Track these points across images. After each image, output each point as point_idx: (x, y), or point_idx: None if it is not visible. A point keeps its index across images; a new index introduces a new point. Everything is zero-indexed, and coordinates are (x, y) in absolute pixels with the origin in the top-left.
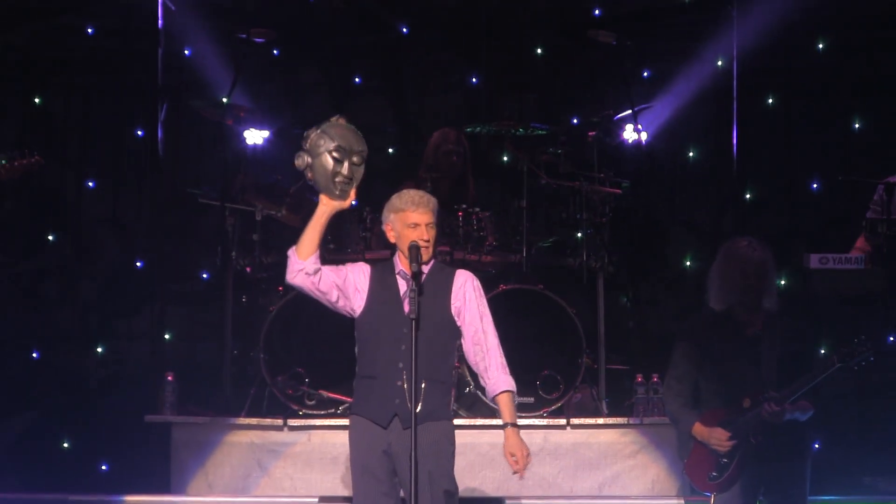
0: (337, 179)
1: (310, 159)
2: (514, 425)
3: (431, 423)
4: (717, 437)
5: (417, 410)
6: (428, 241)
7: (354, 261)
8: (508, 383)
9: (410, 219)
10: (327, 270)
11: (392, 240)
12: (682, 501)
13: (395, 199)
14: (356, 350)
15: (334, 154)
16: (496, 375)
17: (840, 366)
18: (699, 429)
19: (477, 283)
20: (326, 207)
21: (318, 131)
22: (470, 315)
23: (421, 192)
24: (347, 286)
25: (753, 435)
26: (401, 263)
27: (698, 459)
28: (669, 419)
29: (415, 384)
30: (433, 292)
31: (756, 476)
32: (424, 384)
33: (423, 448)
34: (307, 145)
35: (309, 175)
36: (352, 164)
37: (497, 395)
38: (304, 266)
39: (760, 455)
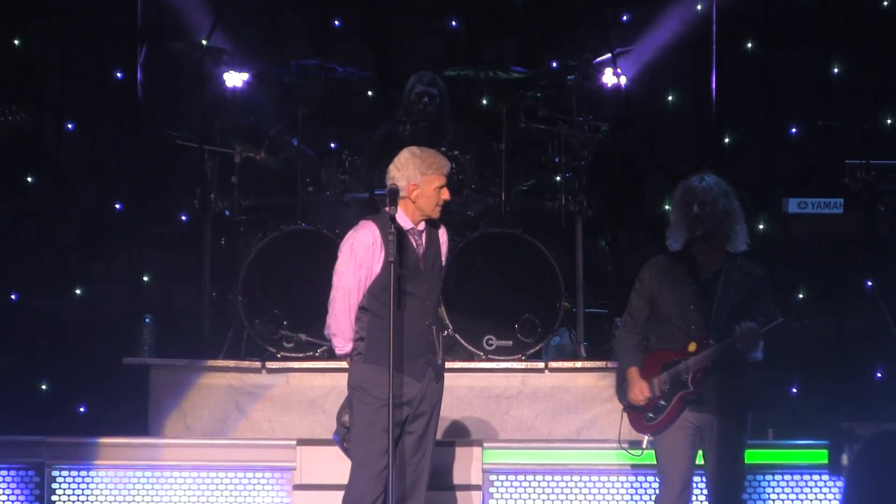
0: None
1: None
2: None
3: (443, 371)
4: (636, 391)
5: (440, 362)
6: (445, 199)
7: (334, 196)
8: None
9: (436, 182)
10: (352, 297)
11: (412, 198)
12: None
13: (420, 162)
14: (369, 301)
15: None
16: None
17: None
18: (632, 372)
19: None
20: None
21: None
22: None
23: (436, 153)
24: (370, 275)
25: (693, 380)
26: (411, 220)
27: (634, 385)
28: (616, 353)
29: (430, 335)
30: (434, 248)
31: (693, 422)
32: (442, 336)
33: (439, 394)
34: None
35: None
36: None
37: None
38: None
39: (699, 401)
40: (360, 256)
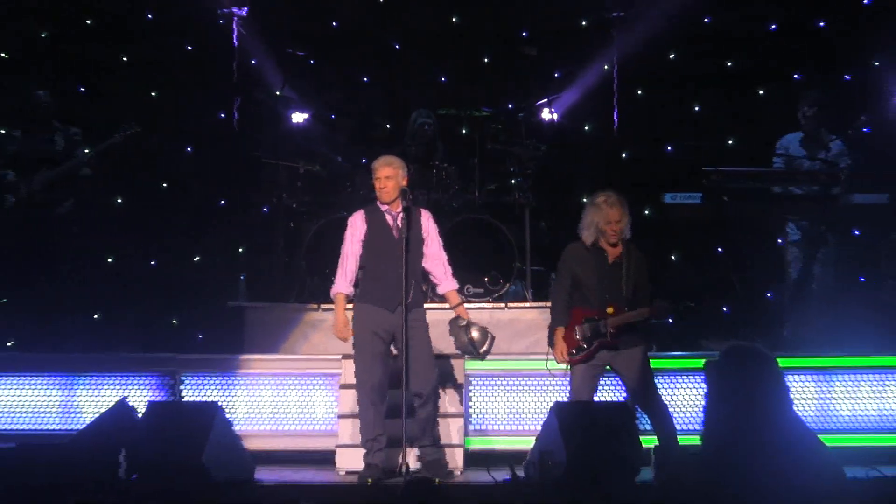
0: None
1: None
2: (462, 303)
3: (417, 308)
4: (558, 354)
5: (409, 300)
6: (382, 187)
7: (365, 195)
8: (456, 283)
9: (375, 174)
10: (350, 261)
11: (375, 189)
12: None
13: (373, 162)
14: (363, 260)
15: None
16: (450, 279)
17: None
18: (559, 333)
19: (433, 218)
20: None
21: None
22: (432, 241)
23: (388, 156)
24: (361, 245)
25: (610, 332)
26: (386, 205)
27: (566, 342)
28: (550, 310)
29: (405, 283)
30: (411, 223)
31: (603, 359)
32: (414, 283)
33: (413, 323)
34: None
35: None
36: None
37: (451, 290)
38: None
39: (613, 346)
40: (351, 228)
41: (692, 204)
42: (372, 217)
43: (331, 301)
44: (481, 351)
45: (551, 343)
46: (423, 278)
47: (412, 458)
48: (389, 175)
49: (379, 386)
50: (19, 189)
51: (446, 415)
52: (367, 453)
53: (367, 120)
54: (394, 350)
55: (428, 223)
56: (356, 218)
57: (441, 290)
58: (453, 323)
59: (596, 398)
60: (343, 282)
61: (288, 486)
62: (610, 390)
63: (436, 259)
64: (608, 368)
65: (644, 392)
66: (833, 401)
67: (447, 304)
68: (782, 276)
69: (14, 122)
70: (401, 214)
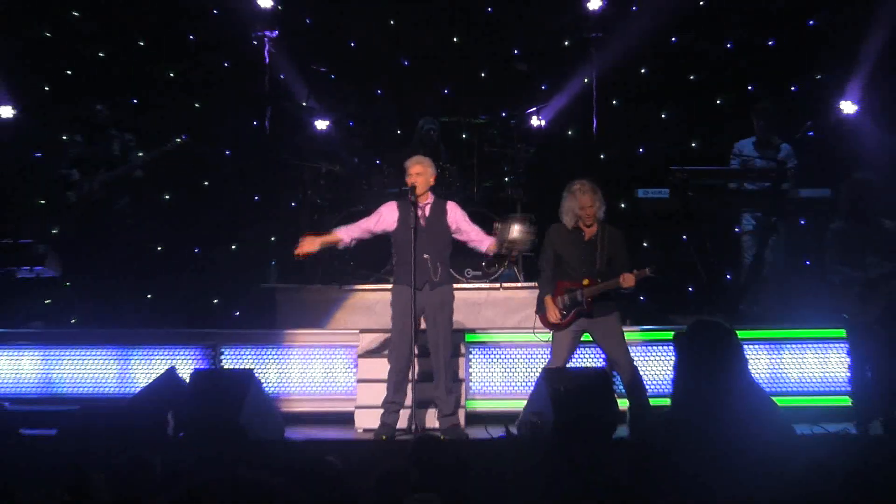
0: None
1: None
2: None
3: (443, 286)
4: (552, 312)
5: (437, 279)
6: (413, 183)
7: (379, 191)
8: (492, 238)
9: (407, 170)
10: (361, 225)
11: (408, 184)
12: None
13: (406, 161)
14: (395, 247)
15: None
16: (486, 237)
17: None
18: (548, 300)
19: (459, 207)
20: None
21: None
22: (461, 222)
23: (419, 156)
24: (380, 224)
25: (586, 301)
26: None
27: (550, 310)
28: (538, 283)
29: (427, 264)
30: (438, 214)
31: (582, 325)
32: (439, 264)
33: (440, 299)
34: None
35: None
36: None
37: (490, 243)
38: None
39: (588, 314)
40: (378, 211)
41: (661, 198)
42: (402, 209)
43: (349, 283)
44: (531, 239)
45: (541, 309)
46: (448, 259)
47: (430, 421)
48: (420, 172)
49: (405, 357)
50: (82, 187)
51: None
52: (384, 413)
53: (380, 126)
54: (422, 324)
55: (454, 212)
56: (387, 207)
57: (483, 249)
58: (496, 235)
59: (574, 362)
60: (345, 231)
61: (314, 442)
62: (589, 359)
63: (468, 232)
64: (585, 337)
65: (617, 354)
66: (783, 367)
67: (458, 286)
68: (739, 261)
69: (77, 130)
70: (429, 205)
